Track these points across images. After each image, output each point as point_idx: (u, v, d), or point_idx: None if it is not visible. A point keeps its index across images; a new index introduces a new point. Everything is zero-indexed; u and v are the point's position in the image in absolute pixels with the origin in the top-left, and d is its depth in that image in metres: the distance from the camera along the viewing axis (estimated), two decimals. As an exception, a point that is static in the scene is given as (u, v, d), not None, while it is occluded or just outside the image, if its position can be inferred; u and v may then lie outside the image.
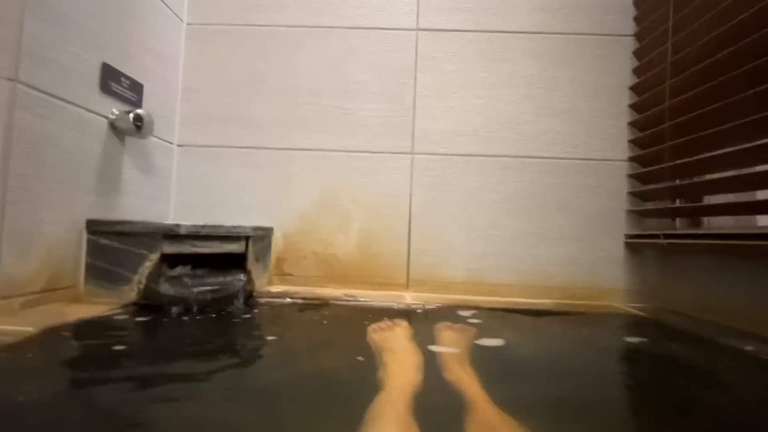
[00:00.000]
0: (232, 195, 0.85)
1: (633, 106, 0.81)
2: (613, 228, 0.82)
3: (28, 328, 0.44)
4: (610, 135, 0.83)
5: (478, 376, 0.37)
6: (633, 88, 0.82)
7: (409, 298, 0.77)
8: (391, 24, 0.86)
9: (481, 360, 0.42)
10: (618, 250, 0.81)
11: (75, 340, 0.45)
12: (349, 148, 0.85)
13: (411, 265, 0.84)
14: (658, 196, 0.76)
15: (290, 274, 0.84)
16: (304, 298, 0.73)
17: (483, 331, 0.53)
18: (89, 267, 0.59)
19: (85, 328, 0.48)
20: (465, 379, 0.35)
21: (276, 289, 0.79)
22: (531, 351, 0.50)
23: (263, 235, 0.78)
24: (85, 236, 0.59)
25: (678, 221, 0.77)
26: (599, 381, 0.41)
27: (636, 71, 0.82)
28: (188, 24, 0.87)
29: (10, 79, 0.48)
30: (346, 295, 0.76)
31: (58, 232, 0.55)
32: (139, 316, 0.55)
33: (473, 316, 0.63)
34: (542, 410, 0.32)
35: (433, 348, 0.45)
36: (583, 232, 0.82)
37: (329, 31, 0.86)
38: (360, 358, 0.42)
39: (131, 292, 0.59)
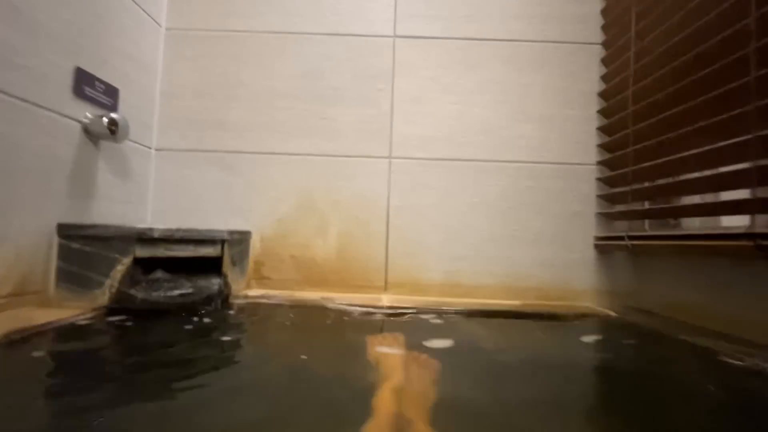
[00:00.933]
0: (211, 199, 0.86)
1: (601, 112, 0.84)
2: (585, 230, 0.84)
3: (-8, 332, 0.43)
4: (581, 140, 0.85)
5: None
6: (601, 95, 0.84)
7: (387, 301, 0.78)
8: (368, 31, 0.88)
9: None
10: (589, 251, 0.84)
11: (40, 343, 0.45)
12: (326, 153, 0.86)
13: (389, 267, 0.85)
14: (623, 199, 0.79)
15: (269, 278, 0.84)
16: (281, 302, 0.73)
17: (439, 332, 0.54)
18: (60, 271, 0.59)
19: (52, 332, 0.48)
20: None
21: (254, 292, 0.79)
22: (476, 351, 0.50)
23: (240, 239, 0.78)
24: (56, 240, 0.59)
25: (647, 223, 0.80)
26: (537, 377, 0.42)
27: (603, 78, 0.85)
28: (167, 29, 0.87)
29: (-22, 84, 0.48)
30: (323, 298, 0.77)
31: (27, 237, 0.55)
32: (109, 318, 0.55)
33: (436, 319, 0.65)
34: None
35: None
36: (556, 235, 0.84)
37: (307, 37, 0.88)
38: (303, 357, 0.42)
39: (103, 296, 0.59)
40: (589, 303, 0.82)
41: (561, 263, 0.84)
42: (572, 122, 0.86)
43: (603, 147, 0.84)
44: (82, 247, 0.59)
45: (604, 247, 0.82)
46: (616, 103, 0.79)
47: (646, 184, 0.74)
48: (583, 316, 0.73)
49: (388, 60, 0.88)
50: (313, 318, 0.65)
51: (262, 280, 0.84)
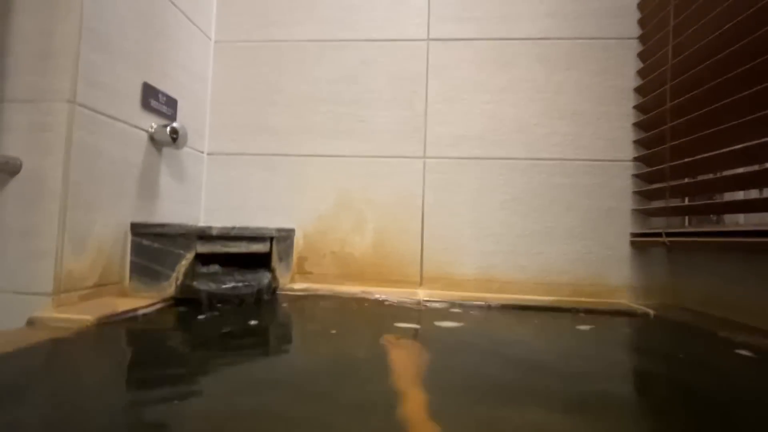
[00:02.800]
0: (256, 198, 0.92)
1: (637, 108, 0.84)
2: (620, 227, 0.84)
3: (87, 317, 0.50)
4: (615, 136, 0.85)
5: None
6: (638, 90, 0.84)
7: (422, 295, 0.81)
8: (402, 35, 0.91)
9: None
10: (624, 248, 0.84)
11: (126, 327, 0.52)
12: (363, 154, 0.90)
13: (424, 263, 0.88)
14: (660, 195, 0.78)
15: (311, 272, 0.90)
16: (322, 294, 0.78)
17: (452, 317, 0.57)
18: (133, 265, 0.66)
19: (133, 318, 0.55)
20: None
21: (298, 285, 0.85)
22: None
23: (286, 236, 0.84)
24: (129, 237, 0.66)
25: (687, 219, 0.79)
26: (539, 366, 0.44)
27: (640, 73, 0.84)
28: (215, 41, 0.94)
29: (70, 101, 0.55)
30: (362, 291, 0.82)
31: (107, 234, 0.62)
32: (179, 307, 0.62)
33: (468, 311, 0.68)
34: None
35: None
36: (589, 231, 0.85)
37: (344, 44, 0.92)
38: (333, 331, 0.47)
39: (170, 288, 0.65)
40: (623, 299, 0.82)
41: (595, 259, 0.84)
42: (606, 119, 0.86)
43: (639, 143, 0.83)
44: (152, 244, 0.66)
45: (640, 244, 0.82)
46: (653, 98, 0.78)
47: (687, 180, 0.74)
48: (618, 312, 0.74)
49: (422, 63, 0.91)
50: (349, 307, 0.70)
51: (304, 274, 0.90)
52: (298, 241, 0.90)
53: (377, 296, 0.78)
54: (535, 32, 0.88)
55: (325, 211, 0.91)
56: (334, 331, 0.54)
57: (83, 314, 0.51)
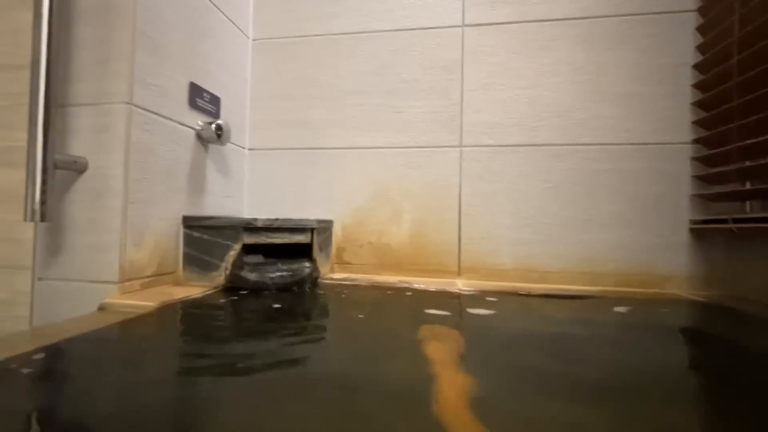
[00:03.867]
0: (295, 192, 0.95)
1: (697, 86, 0.78)
2: (673, 213, 0.80)
3: (149, 303, 0.54)
4: (667, 117, 0.81)
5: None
6: (697, 67, 0.79)
7: (461, 285, 0.81)
8: (437, 23, 0.90)
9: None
10: (678, 235, 0.79)
11: (184, 311, 0.56)
12: (399, 144, 0.91)
13: (462, 253, 0.88)
14: (725, 179, 0.73)
15: (349, 263, 0.92)
16: (361, 283, 0.80)
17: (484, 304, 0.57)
18: (186, 256, 0.70)
19: (189, 303, 0.59)
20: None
21: (337, 275, 0.87)
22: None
23: (325, 227, 0.86)
24: (182, 230, 0.70)
25: (749, 205, 0.74)
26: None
27: (700, 48, 0.79)
28: (253, 40, 0.97)
29: (127, 103, 0.59)
30: (400, 281, 0.83)
31: (162, 227, 0.67)
32: (229, 294, 0.65)
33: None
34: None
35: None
36: (636, 218, 0.81)
37: (377, 35, 0.92)
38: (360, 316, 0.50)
39: (220, 277, 0.69)
40: (676, 290, 0.78)
41: (643, 248, 0.81)
42: (655, 99, 0.81)
43: (699, 124, 0.78)
44: (202, 236, 0.70)
45: (700, 231, 0.78)
46: (716, 75, 0.73)
47: (747, 164, 0.69)
48: (669, 301, 0.70)
49: (457, 50, 0.89)
50: (387, 295, 0.71)
51: (343, 264, 0.92)
52: (337, 232, 0.92)
53: (415, 285, 0.78)
54: (575, 12, 0.85)
55: (362, 202, 0.92)
56: (374, 316, 0.56)
57: (146, 300, 0.55)
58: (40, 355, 0.37)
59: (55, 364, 0.37)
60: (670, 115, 0.81)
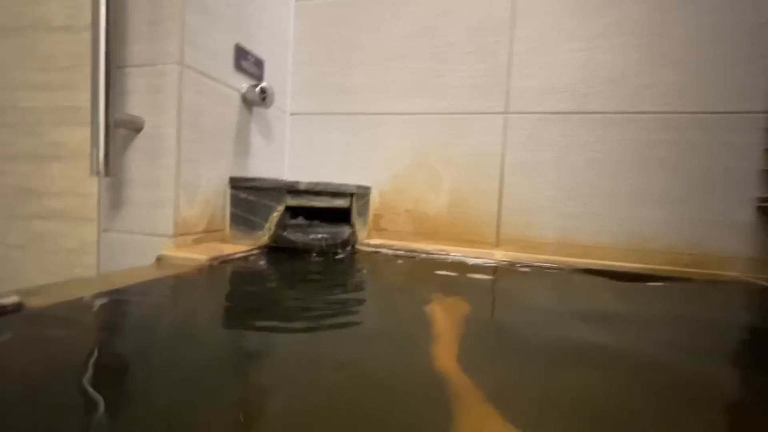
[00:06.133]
0: (334, 157, 0.95)
1: (775, 48, 0.71)
2: (738, 189, 0.74)
3: (201, 257, 0.57)
4: (737, 83, 0.73)
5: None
6: (776, 27, 0.70)
7: (499, 256, 0.80)
8: (485, -20, 0.85)
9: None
10: (743, 214, 0.74)
11: (233, 266, 0.59)
12: (440, 111, 0.88)
13: (501, 224, 0.86)
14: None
15: (386, 229, 0.93)
16: (397, 249, 0.81)
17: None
18: (232, 215, 0.73)
19: (237, 259, 0.62)
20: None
21: (374, 241, 0.88)
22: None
23: (364, 193, 0.87)
24: (228, 191, 0.73)
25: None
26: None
27: (782, 5, 0.70)
28: (296, 1, 0.95)
29: (179, 63, 0.60)
30: (438, 249, 0.83)
31: (211, 186, 0.70)
32: (272, 253, 0.68)
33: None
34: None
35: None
36: (694, 194, 0.76)
37: (423, -6, 0.88)
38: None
39: (263, 237, 0.72)
40: (736, 272, 0.74)
41: (699, 226, 0.76)
42: (725, 63, 0.74)
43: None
44: (247, 197, 0.73)
45: None
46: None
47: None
48: (727, 283, 0.66)
49: (507, 8, 0.84)
50: (421, 262, 0.72)
51: (380, 231, 0.93)
52: (374, 198, 0.93)
53: (453, 254, 0.78)
54: (642, -36, 0.77)
55: (400, 169, 0.91)
56: (412, 280, 0.57)
57: (198, 254, 0.59)
58: (104, 300, 0.41)
59: (119, 306, 0.40)
60: (743, 82, 0.73)
